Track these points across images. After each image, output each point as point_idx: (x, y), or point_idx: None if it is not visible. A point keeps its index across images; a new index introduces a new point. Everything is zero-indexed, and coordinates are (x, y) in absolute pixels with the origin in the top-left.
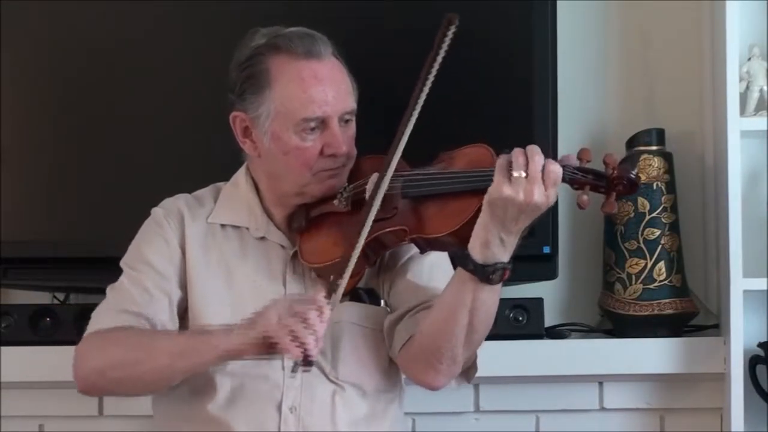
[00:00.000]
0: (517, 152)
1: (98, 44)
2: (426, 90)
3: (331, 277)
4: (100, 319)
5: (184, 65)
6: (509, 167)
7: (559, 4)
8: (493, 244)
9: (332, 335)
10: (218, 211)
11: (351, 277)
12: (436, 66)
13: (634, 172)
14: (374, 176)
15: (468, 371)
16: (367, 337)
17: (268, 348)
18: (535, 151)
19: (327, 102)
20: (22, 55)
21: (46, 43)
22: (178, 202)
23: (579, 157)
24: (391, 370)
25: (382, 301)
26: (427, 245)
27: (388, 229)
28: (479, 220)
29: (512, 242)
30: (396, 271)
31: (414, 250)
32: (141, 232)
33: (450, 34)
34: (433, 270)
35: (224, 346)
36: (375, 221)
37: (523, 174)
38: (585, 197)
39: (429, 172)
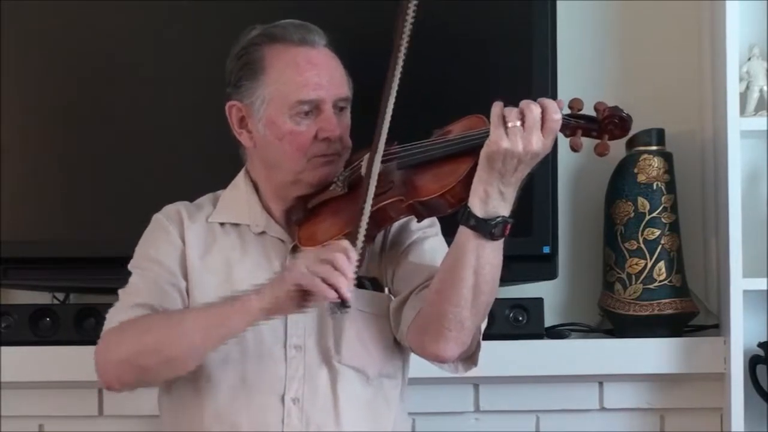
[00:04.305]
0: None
1: (98, 44)
2: (400, 66)
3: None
4: (115, 318)
5: (185, 64)
6: (504, 119)
7: (559, 4)
8: (493, 197)
9: (335, 320)
10: (218, 212)
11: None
12: (405, 44)
13: (625, 112)
14: (368, 154)
15: (474, 354)
16: (370, 322)
17: (301, 298)
18: (529, 102)
19: (321, 85)
20: (22, 55)
21: (46, 43)
22: (177, 206)
23: (570, 106)
24: (395, 355)
25: (386, 289)
26: (424, 210)
27: (384, 203)
28: (477, 176)
29: (511, 194)
30: (398, 257)
31: (414, 236)
32: (144, 236)
33: (412, 8)
34: (435, 253)
35: (258, 305)
36: (373, 196)
37: (518, 123)
38: (578, 140)
39: (423, 141)
